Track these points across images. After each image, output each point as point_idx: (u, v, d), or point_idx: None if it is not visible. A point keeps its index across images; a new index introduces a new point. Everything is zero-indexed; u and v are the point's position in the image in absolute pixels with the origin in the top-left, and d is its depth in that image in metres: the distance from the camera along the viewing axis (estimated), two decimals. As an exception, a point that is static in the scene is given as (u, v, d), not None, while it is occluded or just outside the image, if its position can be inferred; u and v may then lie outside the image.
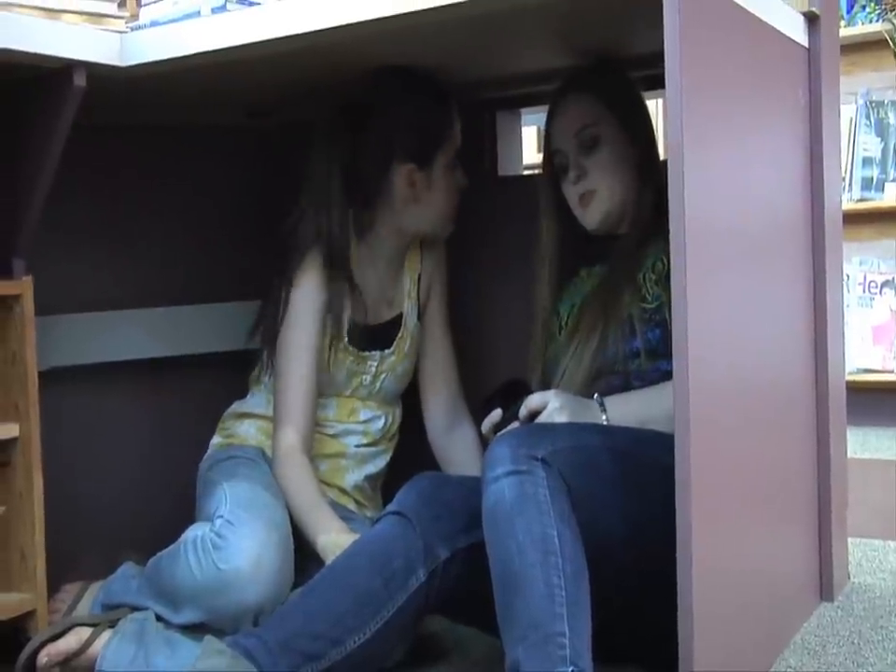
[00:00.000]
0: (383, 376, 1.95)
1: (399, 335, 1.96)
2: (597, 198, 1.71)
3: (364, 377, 1.93)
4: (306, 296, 1.86)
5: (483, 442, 1.78)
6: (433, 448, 2.02)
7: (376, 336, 1.94)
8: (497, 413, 1.60)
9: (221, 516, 1.69)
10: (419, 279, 1.99)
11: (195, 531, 1.72)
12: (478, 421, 1.71)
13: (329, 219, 1.86)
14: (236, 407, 2.00)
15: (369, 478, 1.97)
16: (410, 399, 2.05)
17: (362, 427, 1.95)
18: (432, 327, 2.02)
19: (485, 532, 1.36)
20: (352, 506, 1.93)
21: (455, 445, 2.00)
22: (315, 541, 1.73)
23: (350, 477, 1.94)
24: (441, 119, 1.86)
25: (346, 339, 1.90)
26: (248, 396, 2.00)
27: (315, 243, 1.86)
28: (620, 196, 1.71)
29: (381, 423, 1.97)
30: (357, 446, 1.95)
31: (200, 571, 1.64)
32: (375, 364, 1.93)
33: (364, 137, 1.85)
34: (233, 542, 1.64)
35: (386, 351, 1.94)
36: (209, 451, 1.96)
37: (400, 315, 1.97)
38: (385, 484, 1.99)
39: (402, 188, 1.86)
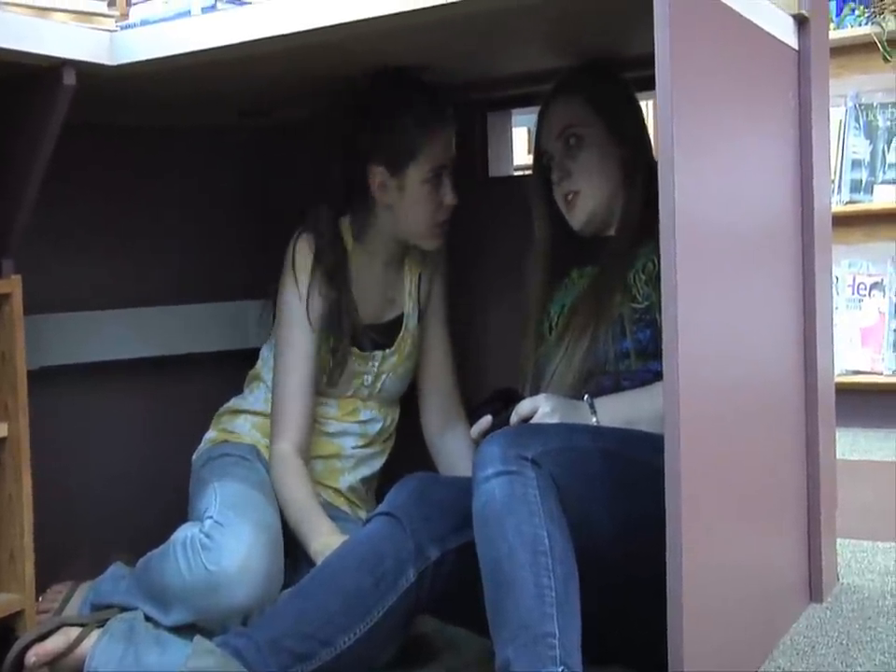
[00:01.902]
0: (384, 376, 1.95)
1: (401, 335, 1.96)
2: (581, 198, 1.71)
3: (366, 377, 1.93)
4: (301, 293, 1.87)
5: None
6: (429, 448, 2.02)
7: (377, 336, 1.94)
8: (486, 420, 1.60)
9: (211, 517, 1.70)
10: (419, 280, 1.99)
11: (185, 532, 1.72)
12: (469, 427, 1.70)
13: (319, 218, 1.87)
14: (233, 404, 2.00)
15: (364, 480, 1.97)
16: (406, 401, 2.05)
17: (360, 427, 1.95)
18: (431, 327, 2.01)
19: (475, 532, 1.36)
20: (345, 507, 1.93)
21: (449, 446, 2.00)
22: (309, 547, 1.73)
23: (345, 479, 1.94)
24: (420, 133, 1.80)
25: (349, 339, 1.90)
26: (246, 392, 2.00)
27: (304, 242, 1.88)
28: (605, 197, 1.71)
29: (379, 425, 1.97)
30: (354, 447, 1.95)
31: (189, 572, 1.65)
32: (377, 364, 1.93)
33: (349, 137, 1.86)
34: (222, 543, 1.65)
35: (388, 350, 1.94)
36: (203, 446, 1.96)
37: (402, 316, 1.97)
38: (379, 486, 1.98)
39: (375, 191, 1.85)
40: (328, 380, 1.89)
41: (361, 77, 1.80)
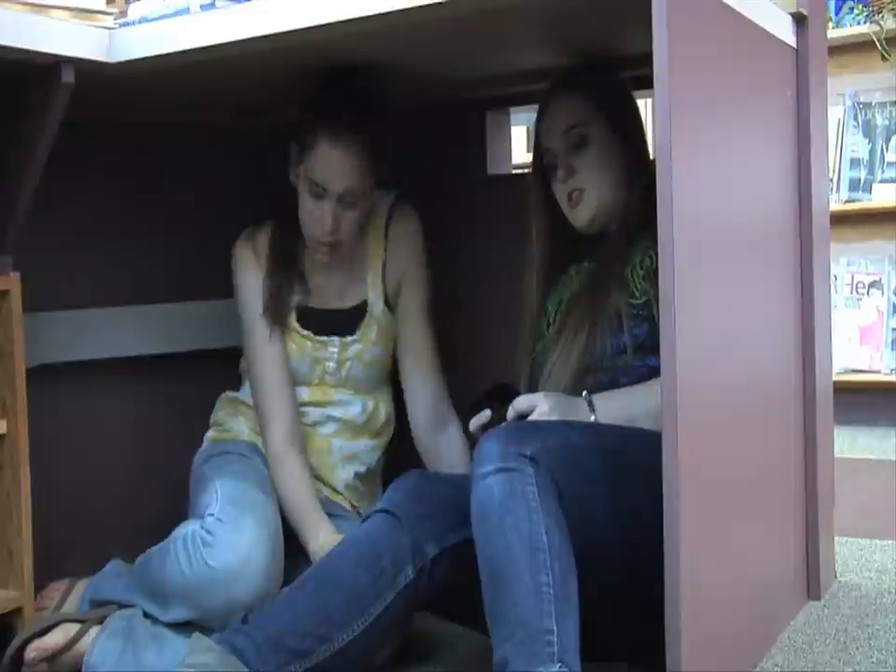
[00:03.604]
0: (348, 363, 1.92)
1: (364, 322, 1.93)
2: (586, 197, 1.71)
3: (328, 364, 1.92)
4: (252, 290, 1.89)
5: (472, 441, 1.78)
6: (418, 449, 1.95)
7: (336, 322, 1.92)
8: (485, 414, 1.60)
9: (212, 514, 1.70)
10: (384, 268, 1.94)
11: (185, 528, 1.72)
12: (464, 425, 1.70)
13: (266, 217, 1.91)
14: (229, 395, 2.01)
15: (360, 476, 1.95)
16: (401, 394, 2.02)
17: (339, 411, 1.92)
18: (408, 322, 1.95)
19: (474, 529, 1.36)
20: (345, 504, 1.93)
21: (442, 448, 1.93)
22: (307, 546, 1.74)
23: (339, 475, 1.93)
24: (309, 137, 1.79)
25: (298, 324, 1.90)
26: (242, 386, 2.00)
27: (242, 240, 1.93)
28: (609, 195, 1.71)
29: (358, 408, 1.94)
30: (339, 436, 1.92)
31: (189, 568, 1.65)
32: (337, 350, 1.91)
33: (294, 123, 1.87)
34: (223, 539, 1.65)
35: (349, 338, 1.92)
36: (203, 445, 1.97)
37: (364, 303, 1.94)
38: (385, 482, 1.93)
39: (296, 182, 1.86)
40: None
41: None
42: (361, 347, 1.93)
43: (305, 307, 1.91)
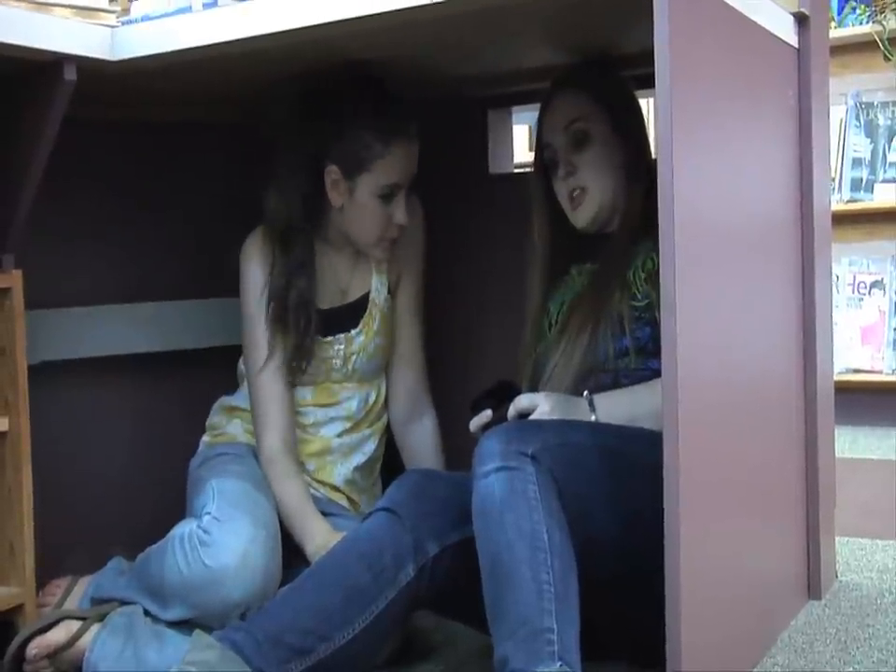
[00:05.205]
0: (354, 357, 1.92)
1: (367, 312, 1.93)
2: (588, 196, 1.71)
3: (334, 361, 1.91)
4: (258, 290, 1.87)
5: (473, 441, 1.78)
6: (394, 436, 2.00)
7: (338, 319, 1.91)
8: (486, 414, 1.60)
9: (209, 513, 1.69)
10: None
11: (183, 528, 1.72)
12: (466, 422, 1.69)
13: (283, 207, 1.85)
14: (224, 401, 2.00)
15: (359, 469, 1.94)
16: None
17: (343, 410, 1.92)
18: (401, 312, 1.97)
19: (475, 527, 1.37)
20: (344, 502, 1.92)
21: (415, 437, 1.98)
22: (305, 548, 1.74)
23: (338, 471, 1.92)
24: (377, 148, 1.78)
25: (311, 329, 1.87)
26: (237, 390, 2.00)
27: (257, 236, 1.89)
28: (610, 195, 1.71)
29: (360, 403, 1.94)
30: (340, 435, 1.92)
31: (187, 568, 1.65)
32: (342, 347, 1.91)
33: (312, 127, 1.83)
34: (220, 539, 1.65)
35: (353, 331, 1.92)
36: (199, 449, 1.97)
37: (366, 295, 1.94)
38: (387, 474, 1.95)
39: (329, 187, 1.83)
40: (295, 373, 1.87)
41: (321, 73, 1.78)
42: (365, 339, 1.93)
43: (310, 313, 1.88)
